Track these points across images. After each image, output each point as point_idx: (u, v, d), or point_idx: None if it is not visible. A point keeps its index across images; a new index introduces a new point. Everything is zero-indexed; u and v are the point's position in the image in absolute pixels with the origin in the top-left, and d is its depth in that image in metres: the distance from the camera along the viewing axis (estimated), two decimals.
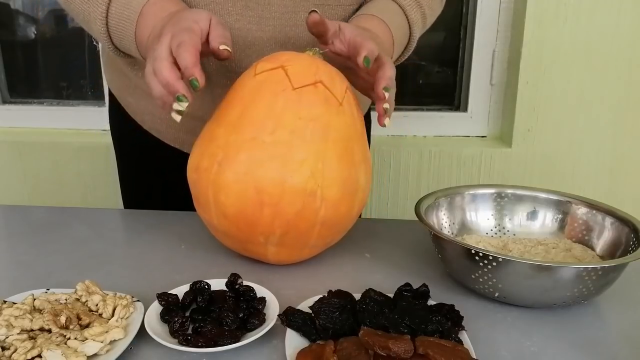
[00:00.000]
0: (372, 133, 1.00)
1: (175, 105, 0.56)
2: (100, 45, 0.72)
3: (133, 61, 0.78)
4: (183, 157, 0.72)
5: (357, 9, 0.79)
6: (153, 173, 0.89)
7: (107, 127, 0.96)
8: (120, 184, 0.96)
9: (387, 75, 0.62)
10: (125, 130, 0.89)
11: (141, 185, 0.92)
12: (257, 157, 0.57)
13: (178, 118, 0.56)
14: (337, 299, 0.53)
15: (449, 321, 0.51)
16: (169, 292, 0.56)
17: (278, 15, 0.72)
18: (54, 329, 0.49)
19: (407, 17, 0.77)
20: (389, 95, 0.61)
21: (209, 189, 0.60)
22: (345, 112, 0.60)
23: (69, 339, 0.48)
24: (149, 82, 0.58)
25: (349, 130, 0.61)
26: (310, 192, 0.58)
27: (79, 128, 1.57)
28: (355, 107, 0.63)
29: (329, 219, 0.60)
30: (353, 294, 0.56)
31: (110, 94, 0.91)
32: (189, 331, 0.51)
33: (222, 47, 0.58)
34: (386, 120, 0.61)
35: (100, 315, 0.53)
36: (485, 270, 0.56)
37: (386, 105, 0.61)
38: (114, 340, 0.49)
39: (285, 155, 0.57)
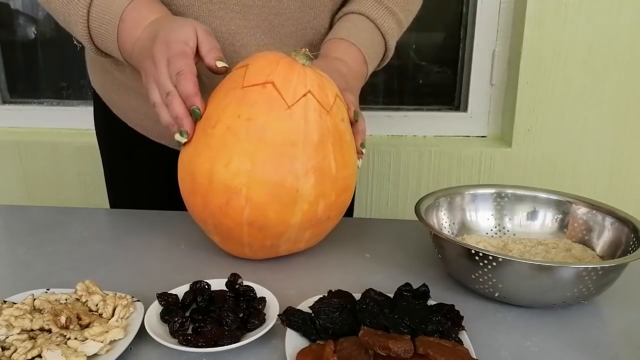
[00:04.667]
0: (370, 133, 0.99)
1: (177, 136, 0.62)
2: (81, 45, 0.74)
3: (117, 60, 0.77)
4: (171, 154, 0.72)
5: (340, 8, 0.81)
6: (141, 172, 0.89)
7: None
8: (107, 186, 0.95)
9: (362, 129, 0.67)
10: (111, 130, 0.89)
11: (129, 185, 0.92)
12: (197, 147, 0.60)
13: (182, 139, 0.62)
14: (337, 299, 0.53)
15: (449, 321, 0.51)
16: (169, 292, 0.56)
17: (262, 3, 0.73)
18: (54, 329, 0.49)
19: (379, 29, 0.79)
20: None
21: (178, 169, 0.65)
22: (294, 117, 0.58)
23: (69, 339, 0.48)
24: (158, 110, 0.63)
25: (292, 136, 0.58)
26: (235, 190, 0.58)
27: (79, 128, 1.57)
28: (313, 113, 0.59)
29: (255, 221, 0.60)
30: (353, 294, 0.56)
31: (95, 96, 0.90)
32: (189, 331, 0.51)
33: (219, 64, 0.63)
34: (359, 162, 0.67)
35: (100, 315, 0.53)
36: (485, 270, 0.56)
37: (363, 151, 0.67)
38: (114, 340, 0.49)
39: (218, 149, 0.58)
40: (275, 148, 0.58)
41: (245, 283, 0.57)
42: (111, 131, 0.89)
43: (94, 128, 1.46)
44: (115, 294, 0.55)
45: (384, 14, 0.79)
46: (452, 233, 0.70)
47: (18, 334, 0.49)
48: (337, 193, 0.62)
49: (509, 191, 0.72)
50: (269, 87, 0.59)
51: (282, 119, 0.58)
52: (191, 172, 0.61)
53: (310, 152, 0.59)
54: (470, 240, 0.68)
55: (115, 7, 0.67)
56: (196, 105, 0.60)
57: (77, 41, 0.74)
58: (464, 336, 0.50)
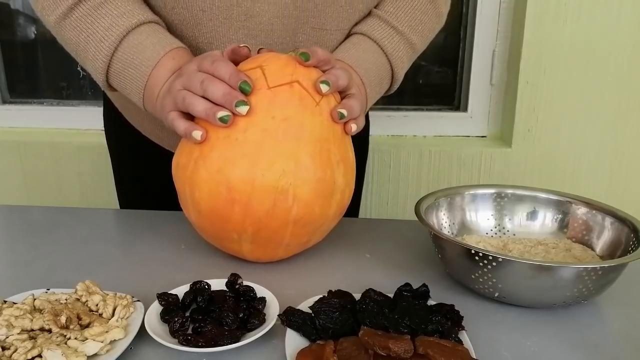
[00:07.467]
0: (370, 133, 0.99)
1: (221, 114, 0.57)
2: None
3: None
4: None
5: None
6: (149, 174, 0.89)
7: None
8: (117, 187, 0.95)
9: (332, 72, 0.61)
10: (121, 131, 0.89)
11: (138, 187, 0.92)
12: (229, 155, 0.58)
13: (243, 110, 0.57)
14: (337, 299, 0.53)
15: (449, 321, 0.51)
16: (169, 292, 0.56)
17: (281, 41, 0.71)
18: (54, 329, 0.49)
19: (383, 50, 0.74)
20: (344, 101, 0.62)
21: (186, 186, 0.61)
22: (323, 113, 0.60)
23: (69, 338, 0.48)
24: (189, 103, 0.58)
25: (325, 131, 0.60)
26: (282, 191, 0.58)
27: (79, 128, 1.57)
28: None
29: (301, 218, 0.60)
30: (353, 294, 0.56)
31: (105, 96, 0.90)
32: (189, 331, 0.51)
33: (241, 44, 0.61)
34: (353, 127, 0.62)
35: (101, 315, 0.53)
36: (485, 270, 0.56)
37: (342, 110, 0.61)
38: (114, 340, 0.49)
39: (257, 153, 0.57)
40: (314, 144, 0.59)
41: (245, 283, 0.57)
42: (120, 132, 0.89)
43: (93, 128, 1.44)
44: (116, 294, 0.55)
45: (390, 35, 0.74)
46: (452, 233, 0.70)
47: (18, 333, 0.49)
48: (354, 180, 0.66)
49: (509, 191, 0.72)
50: (296, 86, 0.59)
51: (315, 116, 0.59)
52: (225, 183, 0.58)
53: (338, 143, 0.62)
54: (470, 240, 0.68)
55: (149, 53, 0.64)
56: (244, 79, 0.57)
57: (82, 68, 0.71)
58: (464, 336, 0.50)
